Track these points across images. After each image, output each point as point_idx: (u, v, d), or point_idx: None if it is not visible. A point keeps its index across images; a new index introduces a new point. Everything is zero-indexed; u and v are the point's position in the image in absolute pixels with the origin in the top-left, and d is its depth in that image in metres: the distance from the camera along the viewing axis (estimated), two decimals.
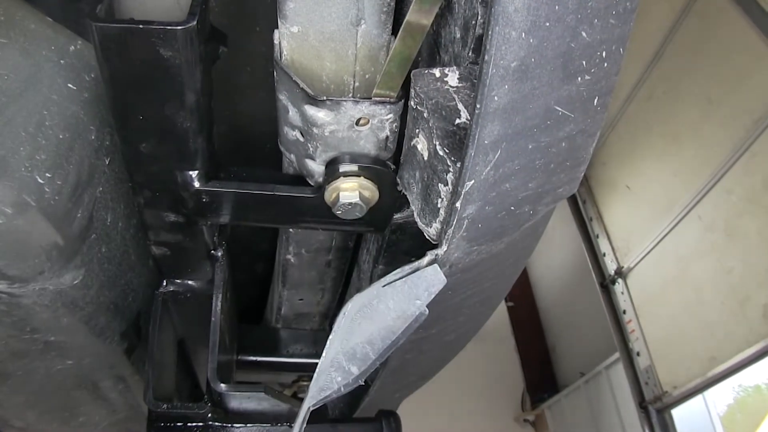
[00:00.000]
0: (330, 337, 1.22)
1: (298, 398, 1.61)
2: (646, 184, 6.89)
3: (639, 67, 6.88)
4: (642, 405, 6.48)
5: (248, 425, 1.91)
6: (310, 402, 1.24)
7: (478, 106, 0.97)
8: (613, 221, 7.50)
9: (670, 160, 6.49)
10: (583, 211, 7.96)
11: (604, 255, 7.48)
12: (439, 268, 1.24)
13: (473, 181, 1.08)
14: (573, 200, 8.07)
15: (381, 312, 1.21)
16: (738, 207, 5.50)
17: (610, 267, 7.33)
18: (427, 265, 1.24)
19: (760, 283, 5.16)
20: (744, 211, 5.44)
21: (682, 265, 6.13)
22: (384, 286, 1.21)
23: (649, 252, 6.66)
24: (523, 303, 10.41)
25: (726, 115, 5.68)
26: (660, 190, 6.58)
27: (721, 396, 5.75)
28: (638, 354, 6.66)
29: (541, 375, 9.89)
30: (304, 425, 1.27)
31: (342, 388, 1.23)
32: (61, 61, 1.46)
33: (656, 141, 6.74)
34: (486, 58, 0.91)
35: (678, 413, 6.18)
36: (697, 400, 5.90)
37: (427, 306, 1.26)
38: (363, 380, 1.25)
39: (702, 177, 5.89)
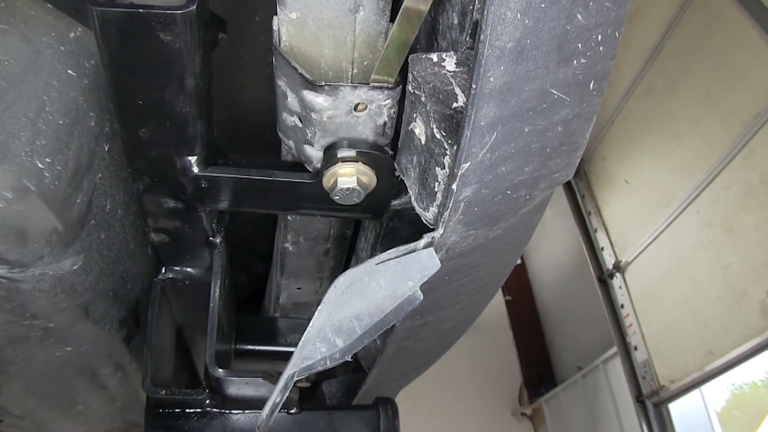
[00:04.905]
0: (318, 308, 1.23)
1: (296, 385, 1.62)
2: (645, 179, 6.90)
3: (638, 62, 6.87)
4: (639, 399, 6.49)
5: (246, 411, 1.92)
6: (292, 369, 1.24)
7: (473, 86, 0.97)
8: (612, 216, 7.51)
9: (668, 155, 6.49)
10: (581, 205, 7.97)
11: (602, 249, 7.49)
12: (434, 252, 1.25)
13: (469, 163, 1.08)
14: (571, 195, 8.07)
15: (372, 289, 1.22)
16: (736, 202, 5.51)
17: (608, 261, 7.33)
18: (423, 248, 1.25)
19: (757, 278, 5.17)
20: (742, 207, 5.44)
21: (680, 259, 6.14)
22: (377, 264, 1.22)
23: (647, 247, 6.67)
24: (521, 297, 10.42)
25: (725, 111, 5.68)
26: (658, 185, 6.59)
27: (718, 391, 5.76)
28: (635, 348, 6.67)
29: (539, 369, 9.90)
30: (287, 393, 1.28)
31: (327, 361, 1.23)
32: (62, 48, 1.47)
33: (655, 136, 6.75)
34: (482, 38, 0.92)
35: (675, 408, 6.19)
36: (695, 395, 5.91)
37: (424, 292, 1.27)
38: (350, 357, 1.25)
39: (700, 172, 5.90)
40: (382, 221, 1.78)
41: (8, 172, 1.28)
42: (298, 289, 2.50)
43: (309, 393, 2.89)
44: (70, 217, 1.47)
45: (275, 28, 1.37)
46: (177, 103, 1.39)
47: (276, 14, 1.35)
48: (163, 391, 1.88)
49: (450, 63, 1.25)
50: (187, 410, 1.92)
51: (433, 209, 1.28)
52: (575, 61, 1.05)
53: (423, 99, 1.22)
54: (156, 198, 1.67)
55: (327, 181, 1.49)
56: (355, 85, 1.34)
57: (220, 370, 1.82)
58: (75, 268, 1.56)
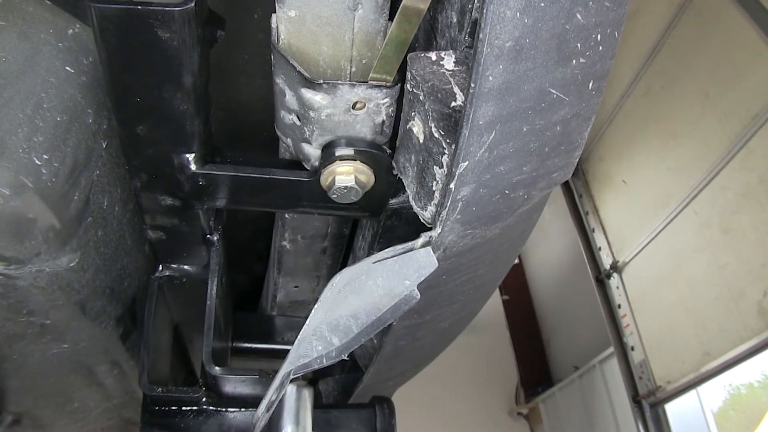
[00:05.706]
0: (315, 306, 1.22)
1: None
2: (643, 179, 6.91)
3: (637, 62, 6.88)
4: (635, 399, 6.51)
5: (242, 409, 1.91)
6: (288, 367, 1.24)
7: (472, 85, 0.97)
8: (609, 216, 7.52)
9: (666, 155, 6.50)
10: (579, 205, 7.98)
11: (600, 249, 7.50)
12: (431, 251, 1.25)
13: (467, 162, 1.08)
14: (569, 194, 8.09)
15: (369, 287, 1.22)
16: (733, 203, 5.52)
17: (606, 261, 7.35)
18: (420, 247, 1.25)
19: (754, 279, 5.18)
20: (739, 208, 5.45)
21: (677, 260, 6.15)
22: (375, 262, 1.22)
23: (644, 247, 6.68)
24: (518, 296, 10.44)
25: (723, 112, 5.69)
26: (656, 186, 6.60)
27: (714, 392, 5.77)
28: (632, 348, 6.68)
29: (536, 368, 9.92)
30: (282, 391, 1.28)
31: (323, 359, 1.23)
32: (60, 44, 1.47)
33: (653, 136, 6.76)
34: (481, 37, 0.92)
35: (671, 408, 6.21)
36: (691, 395, 5.92)
37: (421, 291, 1.26)
38: (346, 355, 1.25)
39: (698, 173, 5.91)
40: (380, 220, 1.78)
41: (5, 169, 1.28)
42: (296, 287, 2.50)
43: None
44: (67, 214, 1.46)
45: (274, 25, 1.37)
46: (175, 101, 1.38)
47: (275, 12, 1.35)
48: (160, 389, 1.88)
49: (449, 62, 1.25)
50: (184, 408, 1.92)
51: (431, 208, 1.28)
52: (574, 61, 1.04)
53: (421, 98, 1.22)
54: (153, 195, 1.67)
55: (325, 180, 1.49)
56: (353, 83, 1.33)
57: (217, 367, 1.82)
58: (72, 265, 1.56)
